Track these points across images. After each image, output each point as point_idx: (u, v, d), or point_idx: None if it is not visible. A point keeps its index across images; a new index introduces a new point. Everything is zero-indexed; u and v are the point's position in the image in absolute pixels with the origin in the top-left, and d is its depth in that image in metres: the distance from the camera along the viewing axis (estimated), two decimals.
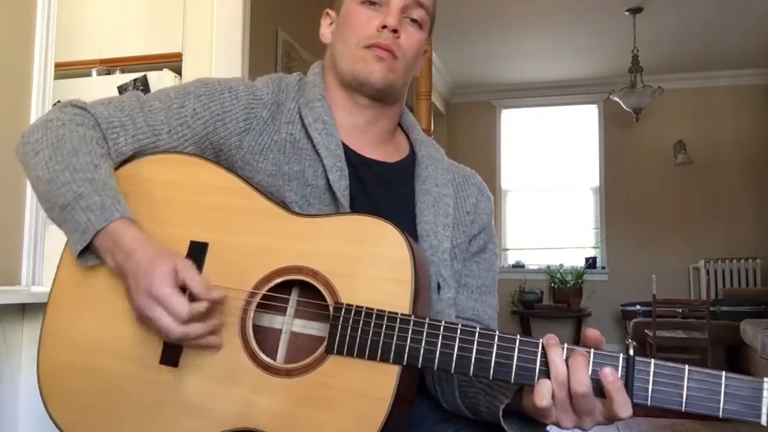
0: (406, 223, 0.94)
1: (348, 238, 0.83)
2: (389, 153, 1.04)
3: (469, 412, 0.92)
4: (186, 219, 0.90)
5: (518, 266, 6.72)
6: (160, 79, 3.00)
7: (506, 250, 6.87)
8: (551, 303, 6.40)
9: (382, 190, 1.00)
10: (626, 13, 5.00)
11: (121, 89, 3.05)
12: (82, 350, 0.88)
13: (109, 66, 3.23)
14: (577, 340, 5.86)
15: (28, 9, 1.80)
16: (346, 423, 0.77)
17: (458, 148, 6.62)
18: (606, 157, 6.68)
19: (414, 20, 0.99)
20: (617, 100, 5.47)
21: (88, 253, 0.87)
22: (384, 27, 0.95)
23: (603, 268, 6.58)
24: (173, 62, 2.95)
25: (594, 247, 6.68)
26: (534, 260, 6.75)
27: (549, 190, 6.87)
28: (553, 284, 6.44)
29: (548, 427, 0.80)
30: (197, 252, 0.88)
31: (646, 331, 4.95)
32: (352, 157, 0.98)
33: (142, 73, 3.06)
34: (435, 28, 1.08)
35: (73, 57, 3.15)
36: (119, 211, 0.85)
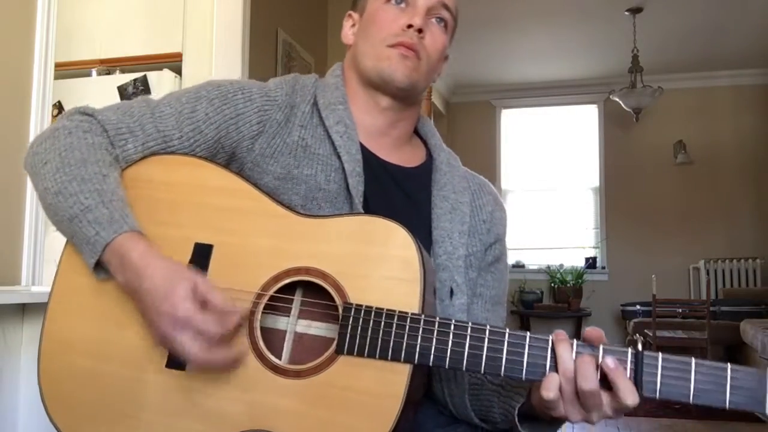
0: (421, 228, 0.93)
1: (356, 238, 0.83)
2: (407, 157, 1.04)
3: (476, 416, 0.92)
4: (190, 221, 0.89)
5: (518, 266, 6.71)
6: (160, 79, 3.01)
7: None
8: (551, 303, 6.40)
9: (398, 194, 0.99)
10: (626, 13, 5.00)
11: (122, 89, 3.06)
12: (83, 354, 0.87)
13: (109, 66, 3.24)
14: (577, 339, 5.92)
15: (28, 9, 1.81)
16: (358, 422, 0.76)
17: (458, 149, 6.48)
18: (606, 157, 6.68)
19: (440, 19, 0.99)
20: (617, 100, 5.47)
21: (99, 267, 0.85)
22: (409, 26, 0.95)
23: (603, 268, 6.58)
24: (173, 62, 2.95)
25: (594, 247, 6.68)
26: (534, 260, 6.75)
27: (549, 190, 6.87)
28: (553, 284, 6.44)
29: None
30: (202, 254, 0.86)
31: (646, 331, 4.95)
32: (371, 159, 0.97)
33: (142, 73, 3.06)
34: None
35: (73, 57, 3.16)
36: (128, 224, 0.82)
